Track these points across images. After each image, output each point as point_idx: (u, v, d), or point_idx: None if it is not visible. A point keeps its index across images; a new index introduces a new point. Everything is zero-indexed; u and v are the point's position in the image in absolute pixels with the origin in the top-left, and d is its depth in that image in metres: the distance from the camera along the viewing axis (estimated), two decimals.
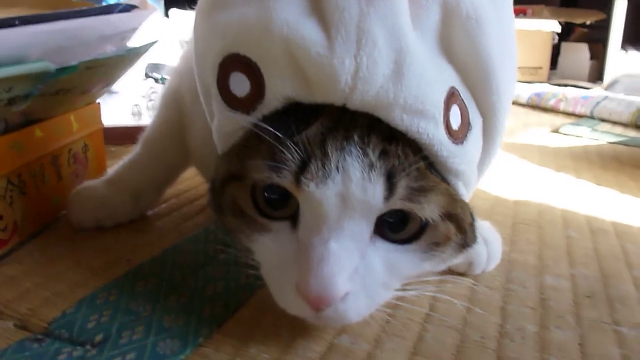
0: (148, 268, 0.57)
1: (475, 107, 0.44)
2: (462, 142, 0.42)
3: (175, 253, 0.61)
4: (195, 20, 0.47)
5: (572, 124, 1.54)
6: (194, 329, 0.47)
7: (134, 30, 0.78)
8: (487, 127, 0.45)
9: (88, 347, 0.44)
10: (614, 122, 1.56)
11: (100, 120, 0.81)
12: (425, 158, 0.40)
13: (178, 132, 0.68)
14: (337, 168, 0.38)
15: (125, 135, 0.92)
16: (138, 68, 1.56)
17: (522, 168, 1.06)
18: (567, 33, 2.70)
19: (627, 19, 2.23)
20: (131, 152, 0.72)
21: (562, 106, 1.71)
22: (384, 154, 0.39)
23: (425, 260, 0.43)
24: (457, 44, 0.41)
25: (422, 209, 0.40)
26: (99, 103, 0.80)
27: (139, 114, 1.23)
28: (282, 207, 0.42)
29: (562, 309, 0.53)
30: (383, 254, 0.41)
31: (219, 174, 0.46)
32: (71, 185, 0.70)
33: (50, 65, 0.55)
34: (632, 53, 2.13)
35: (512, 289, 0.57)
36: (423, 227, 0.42)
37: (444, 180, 0.42)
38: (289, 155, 0.39)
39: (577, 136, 1.39)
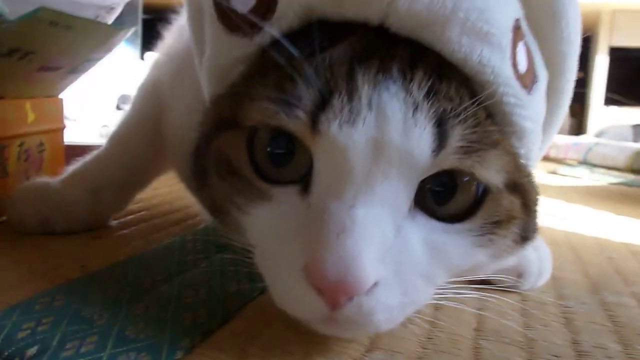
0: (108, 274, 0.44)
1: (540, 56, 0.34)
2: (530, 92, 0.32)
3: (143, 261, 0.48)
4: None
5: (569, 166, 1.48)
6: (169, 340, 0.33)
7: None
8: (553, 85, 0.35)
9: None
10: (609, 167, 1.51)
11: (62, 119, 0.69)
12: (483, 106, 0.30)
13: (152, 127, 0.57)
14: (370, 105, 0.27)
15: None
16: (109, 99, 1.48)
17: None
18: None
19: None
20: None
21: (552, 153, 1.66)
22: (432, 93, 0.28)
23: (480, 246, 0.31)
24: None
25: (483, 170, 0.29)
26: (61, 99, 0.69)
27: (107, 136, 1.11)
28: (289, 166, 0.30)
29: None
30: (425, 233, 0.30)
31: (206, 125, 0.35)
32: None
33: (4, 7, 0.44)
34: (613, 108, 2.13)
35: (570, 305, 0.45)
36: (479, 200, 0.31)
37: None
38: (304, 88, 0.28)
39: (576, 177, 1.32)
